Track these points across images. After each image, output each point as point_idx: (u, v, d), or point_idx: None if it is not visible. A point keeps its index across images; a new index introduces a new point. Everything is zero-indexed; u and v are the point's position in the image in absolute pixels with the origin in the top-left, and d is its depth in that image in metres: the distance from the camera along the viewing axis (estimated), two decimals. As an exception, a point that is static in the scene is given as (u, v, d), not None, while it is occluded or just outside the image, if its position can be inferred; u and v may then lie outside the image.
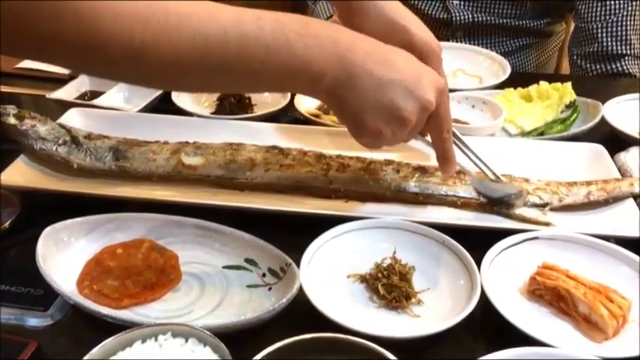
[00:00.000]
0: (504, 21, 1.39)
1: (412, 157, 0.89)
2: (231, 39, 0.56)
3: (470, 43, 1.40)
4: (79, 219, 0.73)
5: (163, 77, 0.58)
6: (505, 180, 0.81)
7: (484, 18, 1.38)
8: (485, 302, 0.65)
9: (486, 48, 1.35)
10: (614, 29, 1.28)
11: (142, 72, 0.56)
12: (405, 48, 0.68)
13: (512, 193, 0.80)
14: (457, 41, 1.41)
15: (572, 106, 1.05)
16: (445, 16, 1.40)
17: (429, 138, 0.74)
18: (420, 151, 0.87)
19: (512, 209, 0.80)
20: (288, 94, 1.06)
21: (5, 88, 1.12)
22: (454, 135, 0.77)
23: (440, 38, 1.40)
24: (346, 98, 0.62)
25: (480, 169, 0.81)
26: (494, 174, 0.80)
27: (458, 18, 1.39)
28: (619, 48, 1.28)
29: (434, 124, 0.69)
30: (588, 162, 0.91)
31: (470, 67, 1.26)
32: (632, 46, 1.28)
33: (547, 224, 0.78)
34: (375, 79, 0.62)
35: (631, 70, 1.28)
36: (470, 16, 1.38)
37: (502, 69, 1.22)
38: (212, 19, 0.55)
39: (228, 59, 0.56)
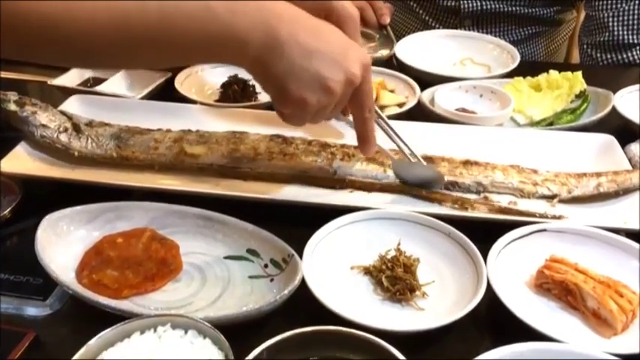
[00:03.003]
0: (513, 9, 1.37)
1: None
2: (149, 8, 0.54)
3: (478, 32, 1.38)
4: (79, 207, 0.72)
5: (83, 52, 0.55)
6: (425, 164, 0.80)
7: (493, 6, 1.36)
8: (491, 296, 0.64)
9: (495, 37, 1.32)
10: (626, 18, 1.26)
11: (59, 47, 0.54)
12: (322, 12, 0.68)
13: (432, 177, 0.79)
14: (465, 30, 1.39)
15: (582, 95, 1.03)
16: (453, 4, 1.38)
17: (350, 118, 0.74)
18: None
19: (431, 191, 0.80)
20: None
21: (7, 74, 1.11)
22: (377, 115, 0.77)
23: (448, 26, 1.41)
24: (271, 65, 0.61)
25: (403, 152, 0.80)
26: (417, 158, 0.80)
27: (466, 6, 1.37)
28: (630, 37, 1.26)
29: (357, 101, 0.69)
30: (598, 153, 0.90)
31: (478, 56, 1.24)
32: None
33: (559, 217, 0.77)
34: (301, 46, 0.61)
35: None
36: (478, 4, 1.36)
37: (511, 58, 1.20)
38: None
39: (148, 29, 0.55)
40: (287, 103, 0.65)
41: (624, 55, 1.27)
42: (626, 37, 1.26)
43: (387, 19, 1.29)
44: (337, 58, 0.63)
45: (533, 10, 1.38)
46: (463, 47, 1.26)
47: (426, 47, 1.25)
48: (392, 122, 0.95)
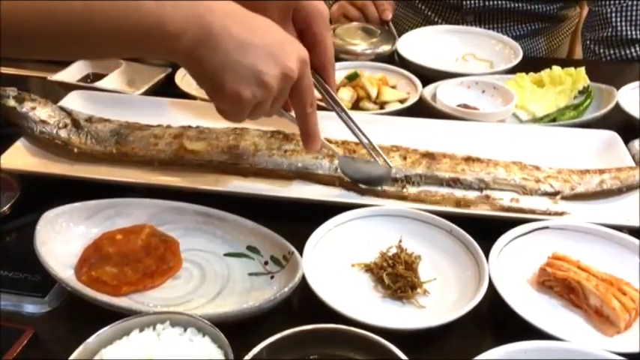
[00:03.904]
0: (516, 5, 1.36)
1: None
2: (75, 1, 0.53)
3: (481, 28, 1.37)
4: (78, 204, 0.72)
5: (9, 40, 0.54)
6: (388, 162, 0.80)
7: (495, 2, 1.35)
8: (493, 293, 0.63)
9: (497, 32, 1.32)
10: (629, 14, 1.25)
11: None
12: (290, 8, 0.68)
13: (379, 175, 0.79)
14: (468, 25, 1.38)
15: (585, 91, 1.03)
16: (455, 1, 1.37)
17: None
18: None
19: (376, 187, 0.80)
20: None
21: (6, 70, 1.11)
22: (340, 108, 0.76)
23: (450, 22, 1.40)
24: (205, 59, 0.60)
25: (367, 148, 0.79)
26: (378, 152, 0.79)
27: (469, 2, 1.36)
28: (633, 33, 1.25)
29: (296, 96, 0.68)
30: (601, 149, 0.89)
31: (480, 52, 1.24)
32: None
33: (561, 213, 0.76)
34: (236, 40, 0.60)
35: None
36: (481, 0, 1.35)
37: (514, 53, 1.19)
38: None
39: (74, 21, 0.54)
40: (222, 99, 0.64)
41: (627, 51, 1.26)
42: (629, 32, 1.25)
43: (389, 15, 1.28)
44: (273, 52, 0.62)
45: (536, 6, 1.37)
46: (465, 43, 1.26)
47: (427, 43, 1.25)
48: (393, 118, 0.95)
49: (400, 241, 0.71)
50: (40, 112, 0.86)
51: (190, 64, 0.62)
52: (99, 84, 1.04)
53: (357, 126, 0.79)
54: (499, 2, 1.35)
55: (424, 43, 1.24)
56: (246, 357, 0.51)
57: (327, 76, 0.75)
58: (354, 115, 0.80)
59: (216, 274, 0.68)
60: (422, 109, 1.00)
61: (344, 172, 0.81)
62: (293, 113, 0.71)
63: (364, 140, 0.79)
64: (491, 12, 1.38)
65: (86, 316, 0.62)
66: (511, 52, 1.21)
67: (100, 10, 0.54)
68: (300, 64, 0.64)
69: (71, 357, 0.52)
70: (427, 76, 1.08)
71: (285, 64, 0.63)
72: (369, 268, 0.69)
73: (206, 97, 1.00)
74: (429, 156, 0.84)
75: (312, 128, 0.72)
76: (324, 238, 0.70)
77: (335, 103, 0.77)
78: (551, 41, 1.48)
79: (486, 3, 1.35)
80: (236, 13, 0.62)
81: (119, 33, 0.56)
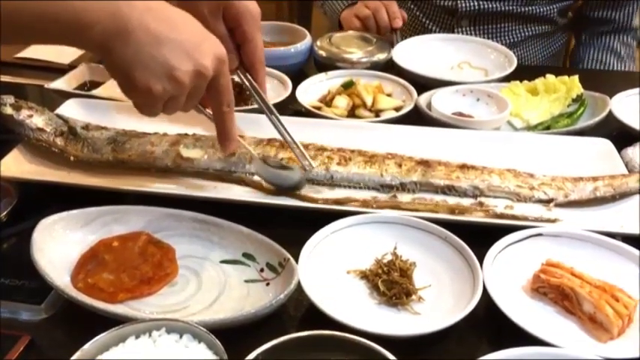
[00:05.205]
0: (511, 8, 1.36)
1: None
2: None
3: (476, 33, 1.38)
4: (75, 211, 0.72)
5: None
6: (312, 164, 0.81)
7: (491, 6, 1.36)
8: (487, 300, 0.64)
9: (493, 38, 1.32)
10: (626, 9, 1.28)
11: None
12: (221, 6, 0.69)
13: (294, 181, 0.80)
14: (462, 30, 1.39)
15: (579, 99, 1.03)
16: (450, 3, 1.37)
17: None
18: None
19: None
20: (290, 86, 1.05)
21: (5, 78, 1.11)
22: (270, 111, 0.77)
23: (445, 27, 1.41)
24: (116, 51, 0.60)
25: (294, 151, 0.80)
26: (305, 158, 0.80)
27: (463, 6, 1.36)
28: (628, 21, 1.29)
29: (213, 95, 0.68)
30: (595, 157, 0.90)
31: (475, 60, 1.24)
32: None
33: (554, 220, 0.77)
34: (150, 35, 0.60)
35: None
36: (476, 3, 1.36)
37: (508, 61, 1.20)
38: None
39: None
40: (133, 91, 0.64)
41: (621, 38, 1.30)
42: (624, 21, 1.29)
43: (399, 23, 1.29)
44: (188, 48, 0.62)
45: (531, 8, 1.37)
46: (460, 51, 1.26)
47: (423, 51, 1.25)
48: (388, 126, 0.96)
49: (395, 248, 0.71)
50: (37, 119, 0.86)
51: (102, 55, 0.62)
52: (96, 92, 1.04)
53: (283, 127, 0.79)
54: (494, 5, 1.36)
55: (419, 52, 1.25)
56: (242, 363, 0.52)
57: (256, 74, 0.76)
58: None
59: (213, 280, 0.69)
60: (417, 117, 1.00)
61: (260, 176, 0.82)
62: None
63: (289, 141, 0.80)
64: (486, 16, 1.38)
65: (82, 323, 0.62)
66: (505, 60, 1.22)
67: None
68: (216, 63, 0.64)
69: (67, 363, 0.53)
70: (422, 84, 1.09)
71: (199, 61, 0.63)
72: (364, 275, 0.70)
73: (200, 106, 1.01)
74: (424, 163, 0.84)
75: (227, 128, 0.72)
76: (319, 244, 0.70)
77: (263, 103, 0.77)
78: (547, 48, 1.49)
79: (481, 7, 1.36)
80: (157, 9, 0.62)
81: (29, 21, 0.57)
